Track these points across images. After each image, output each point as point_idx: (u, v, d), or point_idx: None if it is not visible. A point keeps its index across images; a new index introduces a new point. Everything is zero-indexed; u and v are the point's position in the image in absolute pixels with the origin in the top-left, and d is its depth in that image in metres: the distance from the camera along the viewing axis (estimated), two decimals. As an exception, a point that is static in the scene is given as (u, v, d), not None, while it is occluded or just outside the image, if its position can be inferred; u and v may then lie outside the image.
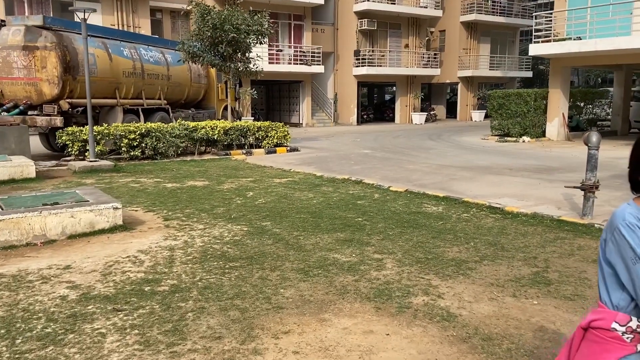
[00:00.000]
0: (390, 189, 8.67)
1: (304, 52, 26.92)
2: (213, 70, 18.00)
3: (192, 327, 3.45)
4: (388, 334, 3.37)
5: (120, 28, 21.18)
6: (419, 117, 29.69)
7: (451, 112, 34.35)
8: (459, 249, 5.25)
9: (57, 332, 3.36)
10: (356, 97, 29.21)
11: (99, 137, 11.90)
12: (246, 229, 6.10)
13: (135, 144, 12.35)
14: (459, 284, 4.26)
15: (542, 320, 3.55)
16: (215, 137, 13.71)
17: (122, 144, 12.19)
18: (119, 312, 3.67)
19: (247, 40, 15.04)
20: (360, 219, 6.61)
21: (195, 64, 16.21)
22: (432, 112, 31.87)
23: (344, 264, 4.80)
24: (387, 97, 39.31)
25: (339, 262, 4.86)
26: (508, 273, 4.52)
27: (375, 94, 40.04)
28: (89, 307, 3.77)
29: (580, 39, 15.76)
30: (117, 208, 5.93)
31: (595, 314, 1.58)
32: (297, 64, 26.49)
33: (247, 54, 15.43)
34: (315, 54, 26.99)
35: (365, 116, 30.95)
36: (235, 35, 14.39)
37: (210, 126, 13.78)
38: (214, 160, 13.01)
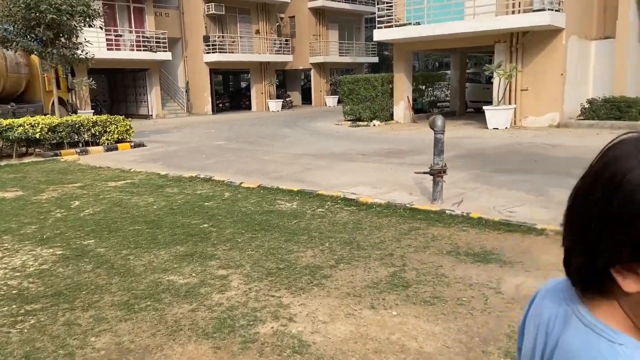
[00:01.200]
0: (242, 185, 7.97)
1: (147, 37, 24.75)
2: (36, 58, 15.51)
3: (-55, 422, 2.43)
4: (226, 386, 2.70)
5: None
6: (275, 105, 29.33)
7: (306, 98, 34.59)
8: (314, 252, 4.76)
9: None
10: (209, 85, 27.84)
11: None
12: (61, 252, 4.96)
13: None
14: (313, 299, 3.74)
15: (403, 337, 3.15)
16: (37, 135, 11.70)
17: None
18: None
19: (72, 23, 13.11)
20: (206, 225, 5.82)
21: (9, 50, 13.78)
22: (288, 99, 31.74)
23: (181, 288, 4.01)
24: (243, 84, 38.37)
25: (174, 286, 4.05)
26: (365, 277, 4.12)
27: (230, 81, 38.81)
28: None
29: (420, 24, 16.46)
30: None
31: None
32: (140, 50, 24.27)
33: (72, 39, 13.47)
34: (161, 40, 24.99)
35: (220, 105, 29.73)
36: (55, 16, 12.40)
37: (30, 123, 11.71)
38: (37, 163, 11.10)
